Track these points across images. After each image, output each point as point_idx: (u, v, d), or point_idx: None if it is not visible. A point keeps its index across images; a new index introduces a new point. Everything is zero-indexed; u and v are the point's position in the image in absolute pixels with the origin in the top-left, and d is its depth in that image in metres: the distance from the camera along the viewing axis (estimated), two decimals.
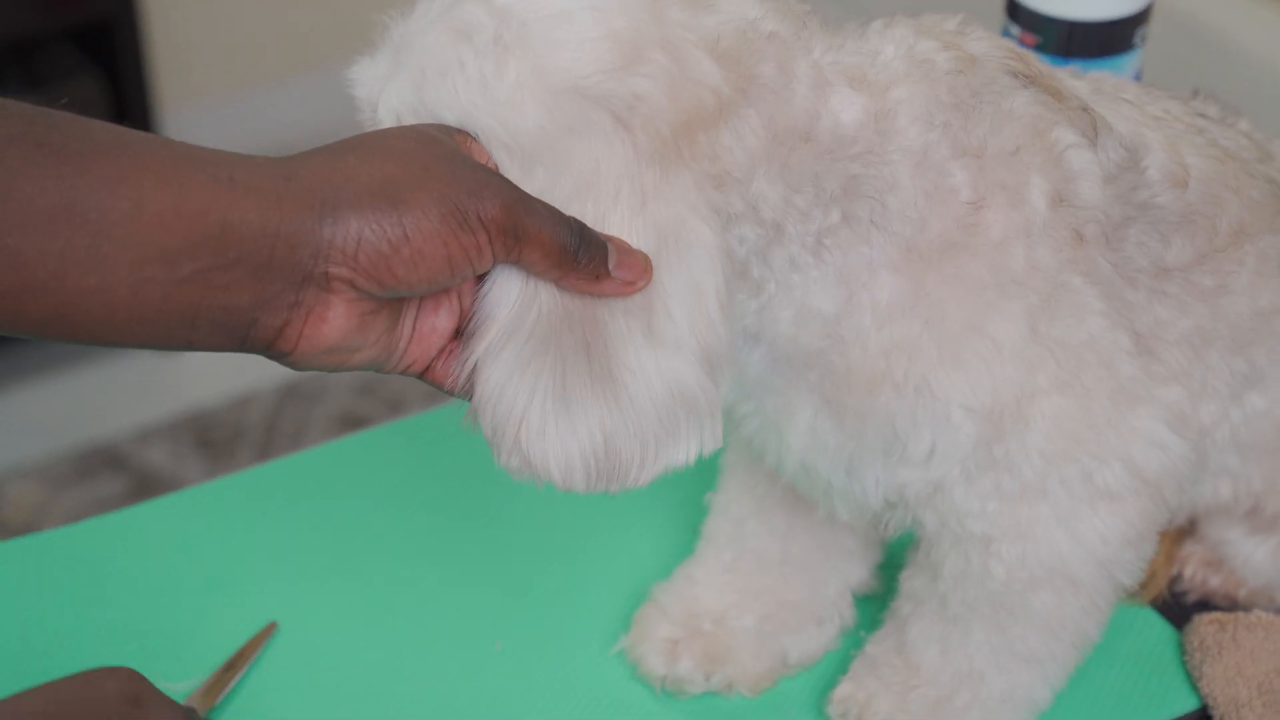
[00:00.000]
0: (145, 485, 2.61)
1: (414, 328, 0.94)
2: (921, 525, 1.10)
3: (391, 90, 0.95)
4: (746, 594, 1.24)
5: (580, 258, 0.90)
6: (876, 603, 1.27)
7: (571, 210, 0.92)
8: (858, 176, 0.99)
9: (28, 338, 0.86)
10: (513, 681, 1.23)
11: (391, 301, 0.91)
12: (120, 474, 2.64)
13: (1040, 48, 1.36)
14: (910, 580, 1.16)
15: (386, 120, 0.95)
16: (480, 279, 0.93)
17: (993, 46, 1.05)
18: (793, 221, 0.99)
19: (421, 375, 0.95)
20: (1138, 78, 1.39)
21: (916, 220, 1.00)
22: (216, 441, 2.73)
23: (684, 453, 0.94)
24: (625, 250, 0.91)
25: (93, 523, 1.35)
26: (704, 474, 1.30)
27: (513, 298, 0.92)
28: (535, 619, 1.27)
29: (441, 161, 0.88)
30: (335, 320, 0.89)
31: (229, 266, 0.85)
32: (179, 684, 1.21)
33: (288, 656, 1.24)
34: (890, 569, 1.27)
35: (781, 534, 1.24)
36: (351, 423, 2.74)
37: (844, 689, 1.19)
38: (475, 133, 0.93)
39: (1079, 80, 1.12)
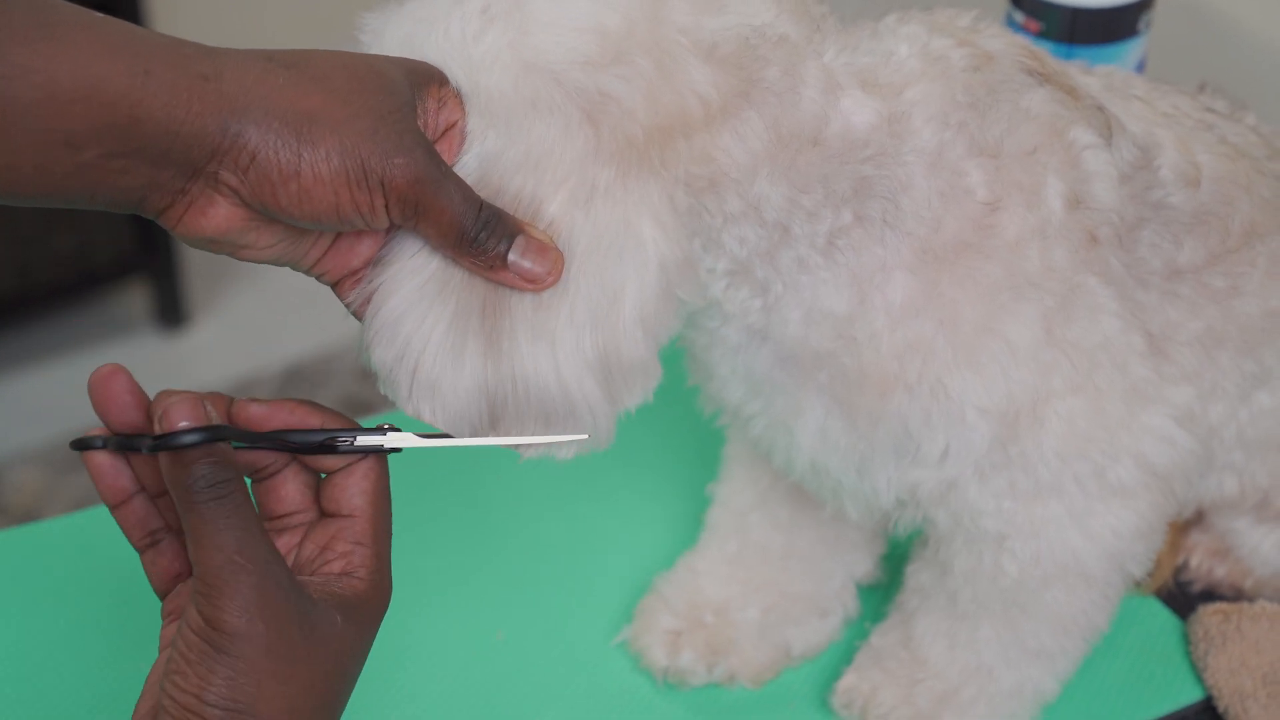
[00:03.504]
0: None
1: (332, 244, 0.94)
2: (933, 524, 1.09)
3: (393, 24, 0.95)
4: (749, 586, 1.24)
5: (477, 244, 0.90)
6: (880, 593, 1.27)
7: (511, 184, 0.91)
8: (869, 178, 0.98)
9: None
10: (514, 672, 1.23)
11: None
12: None
13: (1044, 34, 1.35)
14: (917, 575, 1.16)
15: (372, 46, 0.96)
16: None
17: (1008, 44, 1.05)
18: (799, 222, 0.98)
19: (333, 287, 0.95)
20: (1142, 64, 1.38)
21: (931, 221, 1.00)
22: None
23: (561, 450, 0.94)
24: (539, 247, 0.91)
25: (94, 511, 1.35)
26: (707, 465, 1.29)
27: (419, 242, 0.92)
28: (537, 609, 1.27)
29: (370, 115, 0.88)
30: (216, 217, 0.89)
31: (128, 154, 0.85)
32: None
33: None
34: (894, 559, 1.26)
35: (785, 526, 1.23)
36: (355, 407, 2.73)
37: (848, 680, 1.19)
38: (449, 79, 0.93)
39: (1090, 76, 1.11)
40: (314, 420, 0.91)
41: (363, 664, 0.90)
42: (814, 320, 1.02)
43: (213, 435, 0.85)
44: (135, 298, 2.91)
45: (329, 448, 0.91)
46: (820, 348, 1.02)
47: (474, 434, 0.93)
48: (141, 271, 2.81)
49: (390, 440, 0.92)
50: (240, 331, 2.91)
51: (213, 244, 0.91)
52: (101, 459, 0.91)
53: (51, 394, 2.77)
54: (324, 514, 0.93)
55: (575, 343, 0.92)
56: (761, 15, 0.96)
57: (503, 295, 0.92)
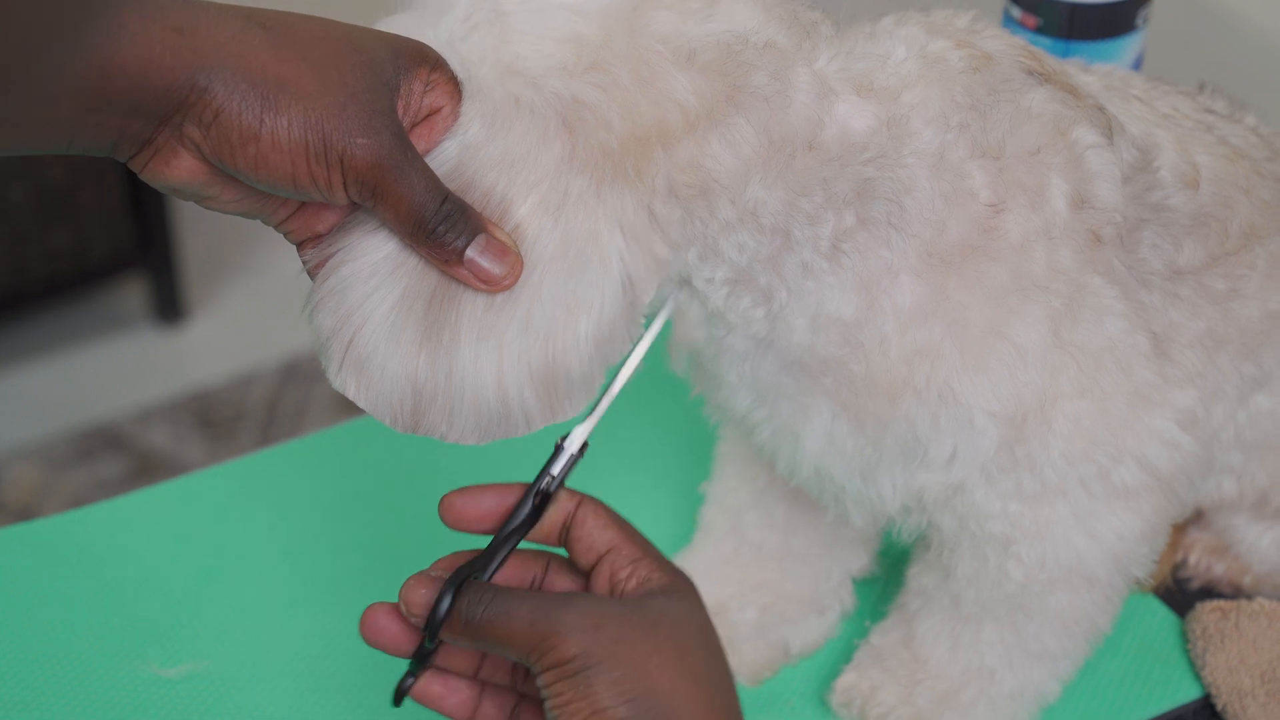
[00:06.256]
0: (146, 466, 2.61)
1: (300, 205, 0.93)
2: (938, 528, 1.09)
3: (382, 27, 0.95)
4: (746, 586, 1.23)
5: (434, 235, 0.90)
6: (877, 587, 1.27)
7: (483, 180, 0.91)
8: (871, 180, 0.98)
9: None
10: None
11: None
12: (121, 455, 2.63)
13: (1042, 30, 1.35)
14: (919, 577, 1.16)
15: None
16: None
17: (1007, 44, 1.04)
18: (799, 226, 0.97)
19: (297, 246, 0.95)
20: (1139, 60, 1.38)
21: (935, 223, 0.99)
22: (218, 422, 2.72)
23: (483, 443, 0.95)
24: (499, 248, 0.90)
25: (91, 510, 1.35)
26: (700, 462, 1.29)
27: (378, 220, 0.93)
28: None
29: (342, 89, 0.88)
30: (180, 168, 0.89)
31: (101, 108, 0.86)
32: (173, 669, 1.21)
33: (282, 644, 1.24)
34: (890, 553, 1.26)
35: (781, 526, 1.23)
36: (351, 403, 2.73)
37: (848, 678, 1.19)
38: (445, 64, 0.93)
39: (1089, 75, 1.10)
40: (511, 495, 0.95)
41: (717, 637, 0.92)
42: (820, 326, 1.01)
43: (454, 584, 0.90)
44: (132, 293, 2.91)
45: (541, 505, 0.95)
46: (827, 354, 1.02)
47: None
48: (139, 267, 2.81)
49: (573, 444, 0.95)
50: (238, 327, 2.91)
51: (177, 192, 0.91)
52: (430, 687, 0.95)
53: (49, 390, 2.77)
54: (588, 571, 0.95)
55: (522, 350, 0.91)
56: (748, 22, 0.95)
57: (455, 289, 0.91)
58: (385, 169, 0.88)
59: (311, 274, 0.94)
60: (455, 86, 0.92)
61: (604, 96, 0.91)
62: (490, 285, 0.90)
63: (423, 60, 0.91)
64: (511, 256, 0.90)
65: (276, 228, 0.94)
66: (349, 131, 0.87)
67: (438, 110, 0.92)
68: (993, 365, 1.01)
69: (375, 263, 0.92)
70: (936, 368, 1.01)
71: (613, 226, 0.91)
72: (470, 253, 0.90)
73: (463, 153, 0.91)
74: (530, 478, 0.96)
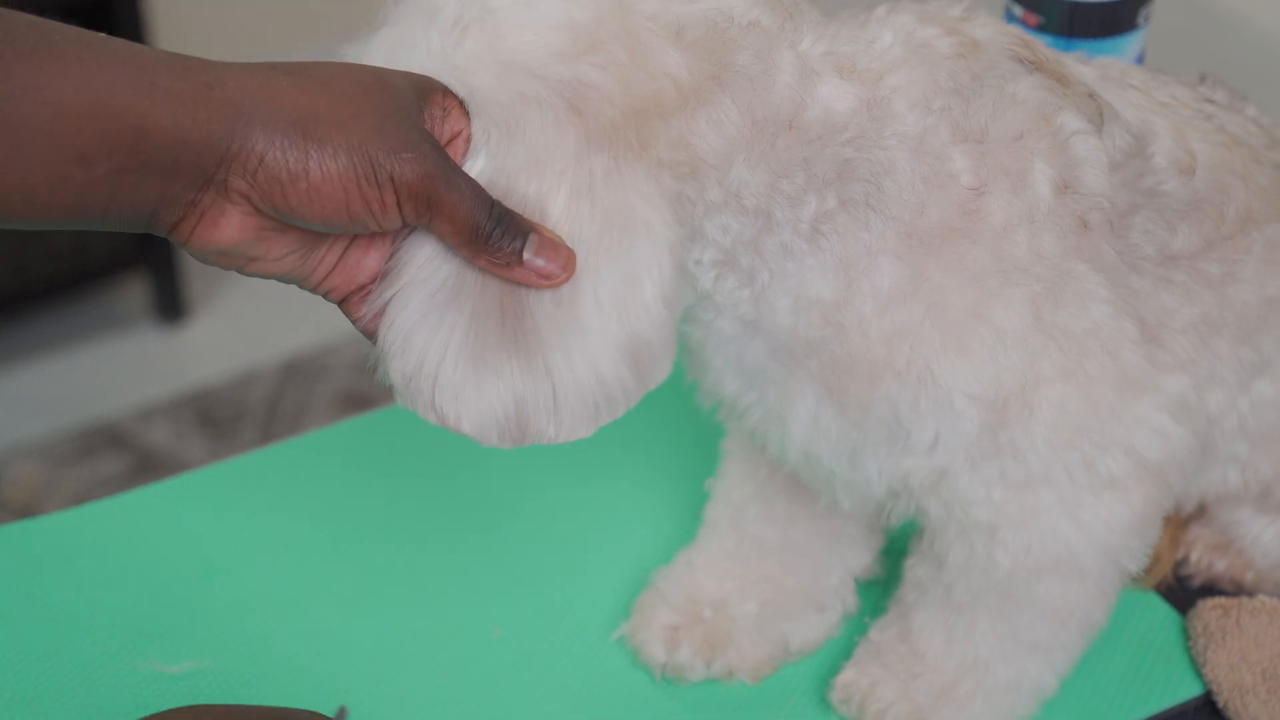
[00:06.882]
0: (147, 464, 2.61)
1: (341, 257, 0.94)
2: (926, 514, 1.09)
3: (370, 52, 0.96)
4: (748, 581, 1.23)
5: (492, 241, 0.91)
6: (879, 588, 1.27)
7: (517, 185, 0.92)
8: (851, 160, 0.99)
9: None
10: (512, 668, 1.23)
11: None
12: (122, 453, 2.63)
13: (1043, 28, 1.35)
14: (914, 569, 1.16)
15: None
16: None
17: (997, 32, 1.05)
18: (780, 208, 0.98)
19: (340, 304, 0.96)
20: (1141, 58, 1.38)
21: (915, 205, 1.00)
22: (219, 420, 2.72)
23: (593, 431, 0.95)
24: (551, 245, 0.91)
25: (93, 507, 1.35)
26: (706, 459, 1.29)
27: (428, 250, 0.93)
28: (535, 605, 1.27)
29: (376, 113, 0.89)
30: (228, 227, 0.90)
31: (140, 168, 0.86)
32: (175, 666, 1.21)
33: (283, 641, 1.24)
34: (893, 554, 1.26)
35: (783, 520, 1.23)
36: (353, 400, 2.74)
37: (847, 675, 1.19)
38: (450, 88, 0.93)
39: (1086, 66, 1.11)
40: None
41: None
42: (802, 308, 1.02)
43: None
44: (133, 292, 2.91)
45: None
46: (809, 336, 1.02)
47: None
48: (139, 266, 2.82)
49: None
50: (238, 326, 2.91)
51: (224, 256, 0.91)
52: None
53: (50, 388, 2.77)
54: None
55: (604, 331, 0.92)
56: (734, 5, 0.96)
57: (519, 297, 0.92)
58: (435, 179, 0.89)
59: (368, 330, 0.95)
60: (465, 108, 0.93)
61: (605, 75, 0.92)
62: (550, 280, 0.92)
63: (433, 88, 0.93)
64: (563, 251, 0.91)
65: (315, 289, 0.95)
66: (393, 149, 0.88)
67: (458, 133, 0.93)
68: (973, 347, 1.02)
69: (432, 294, 0.93)
70: (916, 349, 1.01)
71: (637, 196, 0.93)
72: (526, 254, 0.91)
73: (489, 166, 0.92)
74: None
